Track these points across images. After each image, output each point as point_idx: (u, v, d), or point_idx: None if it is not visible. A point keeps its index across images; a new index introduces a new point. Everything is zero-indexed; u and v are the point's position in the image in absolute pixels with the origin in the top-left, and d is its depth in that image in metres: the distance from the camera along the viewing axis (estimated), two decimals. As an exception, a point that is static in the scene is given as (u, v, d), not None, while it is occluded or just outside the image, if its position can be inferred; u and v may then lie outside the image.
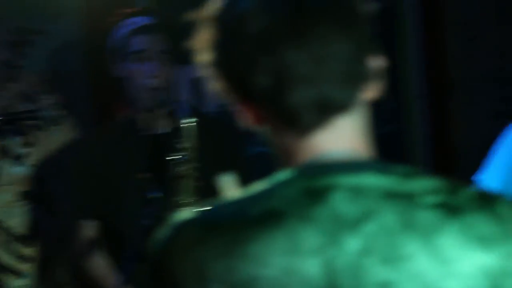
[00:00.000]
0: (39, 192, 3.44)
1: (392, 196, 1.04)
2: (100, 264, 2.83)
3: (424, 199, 1.04)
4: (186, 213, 1.07)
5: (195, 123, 2.57)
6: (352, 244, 1.01)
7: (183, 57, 2.84)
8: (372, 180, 1.05)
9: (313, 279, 1.00)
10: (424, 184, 1.06)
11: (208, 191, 2.66)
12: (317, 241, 1.01)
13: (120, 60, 2.78)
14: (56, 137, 3.44)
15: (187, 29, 3.07)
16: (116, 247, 2.81)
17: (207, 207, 1.08)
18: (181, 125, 2.59)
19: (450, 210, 1.04)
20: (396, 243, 1.02)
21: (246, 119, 1.12)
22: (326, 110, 1.07)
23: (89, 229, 2.87)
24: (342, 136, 1.08)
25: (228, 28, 1.09)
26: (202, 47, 1.12)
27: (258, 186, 1.08)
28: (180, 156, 2.59)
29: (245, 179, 2.88)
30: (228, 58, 1.09)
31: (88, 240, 2.87)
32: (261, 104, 1.08)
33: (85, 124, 3.40)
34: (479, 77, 3.81)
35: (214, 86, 1.13)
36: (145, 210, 2.50)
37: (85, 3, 3.40)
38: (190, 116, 2.57)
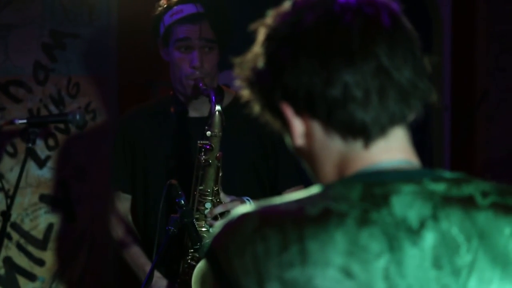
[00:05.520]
0: (60, 196, 3.45)
1: (450, 200, 1.06)
2: (132, 240, 2.85)
3: (481, 201, 1.07)
4: (244, 208, 1.06)
5: (220, 112, 2.56)
6: (412, 250, 1.02)
7: (226, 45, 2.85)
8: (430, 187, 1.07)
9: (372, 283, 1.00)
10: (477, 187, 1.09)
11: (229, 181, 2.66)
12: (378, 246, 1.01)
13: (166, 45, 2.80)
14: (81, 141, 3.44)
15: (233, 18, 2.97)
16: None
17: (267, 203, 1.06)
18: (211, 113, 2.57)
19: (504, 209, 1.07)
20: (457, 248, 1.04)
21: (293, 134, 1.12)
22: (393, 123, 1.10)
23: (124, 202, 2.90)
24: (398, 146, 1.12)
25: (298, 42, 1.09)
26: (254, 64, 1.13)
27: (317, 188, 1.09)
28: (207, 144, 2.58)
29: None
30: (296, 71, 1.09)
31: (123, 213, 2.89)
32: (327, 117, 1.09)
33: (112, 128, 3.40)
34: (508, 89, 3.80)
35: (256, 102, 1.14)
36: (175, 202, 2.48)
37: (117, 8, 3.41)
38: (218, 104, 2.55)
